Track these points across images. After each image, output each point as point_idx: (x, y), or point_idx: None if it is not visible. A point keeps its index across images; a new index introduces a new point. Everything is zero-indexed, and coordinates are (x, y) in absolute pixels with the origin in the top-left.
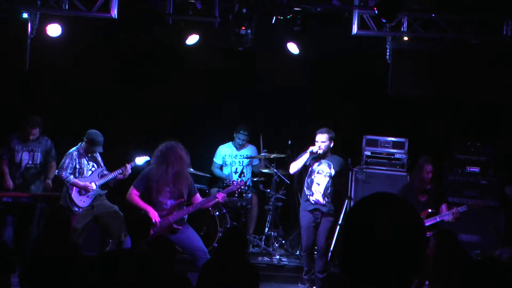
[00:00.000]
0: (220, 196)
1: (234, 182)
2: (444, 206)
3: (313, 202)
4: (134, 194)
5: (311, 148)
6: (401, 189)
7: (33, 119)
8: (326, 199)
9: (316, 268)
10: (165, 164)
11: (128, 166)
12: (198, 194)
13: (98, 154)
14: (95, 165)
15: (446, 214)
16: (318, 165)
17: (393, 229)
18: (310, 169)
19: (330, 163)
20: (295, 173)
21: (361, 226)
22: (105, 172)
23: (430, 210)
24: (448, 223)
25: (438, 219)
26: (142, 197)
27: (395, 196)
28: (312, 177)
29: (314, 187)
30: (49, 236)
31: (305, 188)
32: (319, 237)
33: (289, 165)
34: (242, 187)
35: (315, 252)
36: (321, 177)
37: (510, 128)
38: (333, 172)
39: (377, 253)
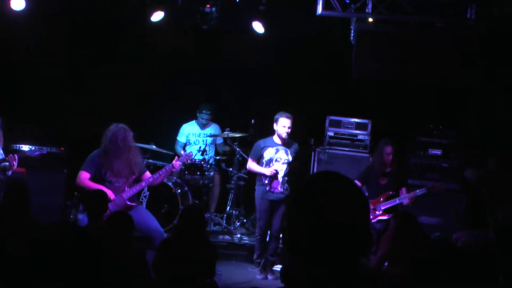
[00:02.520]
0: (176, 164)
1: (183, 153)
2: (403, 190)
3: (271, 191)
4: (83, 177)
5: (270, 173)
6: (362, 172)
7: None
8: (284, 186)
9: (269, 251)
10: (115, 145)
11: (10, 157)
12: (147, 172)
13: None
14: None
15: (405, 197)
16: (276, 153)
17: (337, 208)
18: (268, 157)
19: (287, 149)
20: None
21: (306, 206)
22: None
23: (390, 193)
24: (407, 206)
25: (397, 201)
26: (92, 179)
27: (340, 175)
28: (271, 165)
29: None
30: (7, 207)
31: (262, 176)
32: (274, 220)
33: (248, 161)
34: (192, 159)
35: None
36: (279, 165)
37: (473, 111)
38: (290, 158)
39: (322, 232)
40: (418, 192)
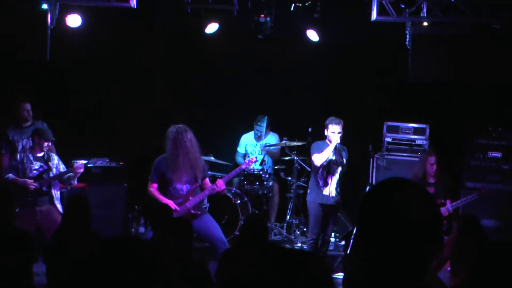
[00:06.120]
0: (218, 184)
1: (245, 161)
2: (448, 202)
3: (326, 194)
4: (152, 188)
5: (336, 141)
6: None
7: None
8: (337, 190)
9: (321, 253)
10: (177, 148)
11: (76, 165)
12: (207, 179)
13: (54, 156)
14: (44, 166)
15: (454, 205)
16: (333, 154)
17: (409, 210)
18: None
19: (341, 152)
20: (321, 165)
21: (377, 209)
22: (52, 173)
23: (442, 201)
24: (469, 207)
25: (446, 213)
26: (160, 186)
27: (410, 180)
28: (327, 167)
29: (329, 178)
30: (69, 221)
31: (318, 179)
32: (329, 226)
33: (312, 158)
34: (253, 163)
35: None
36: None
37: None
38: (344, 161)
39: (393, 235)
40: (470, 198)
